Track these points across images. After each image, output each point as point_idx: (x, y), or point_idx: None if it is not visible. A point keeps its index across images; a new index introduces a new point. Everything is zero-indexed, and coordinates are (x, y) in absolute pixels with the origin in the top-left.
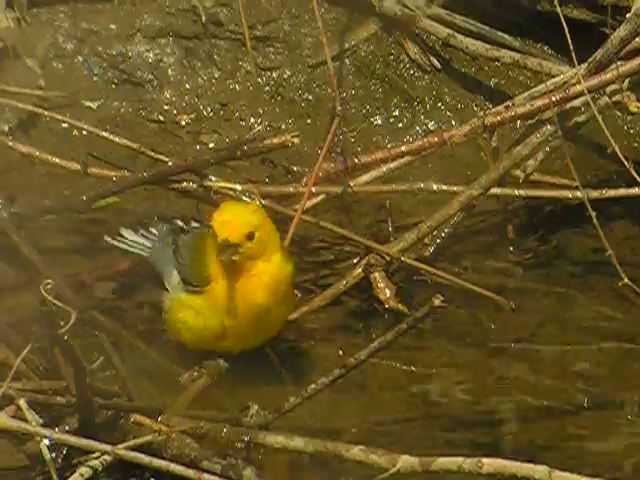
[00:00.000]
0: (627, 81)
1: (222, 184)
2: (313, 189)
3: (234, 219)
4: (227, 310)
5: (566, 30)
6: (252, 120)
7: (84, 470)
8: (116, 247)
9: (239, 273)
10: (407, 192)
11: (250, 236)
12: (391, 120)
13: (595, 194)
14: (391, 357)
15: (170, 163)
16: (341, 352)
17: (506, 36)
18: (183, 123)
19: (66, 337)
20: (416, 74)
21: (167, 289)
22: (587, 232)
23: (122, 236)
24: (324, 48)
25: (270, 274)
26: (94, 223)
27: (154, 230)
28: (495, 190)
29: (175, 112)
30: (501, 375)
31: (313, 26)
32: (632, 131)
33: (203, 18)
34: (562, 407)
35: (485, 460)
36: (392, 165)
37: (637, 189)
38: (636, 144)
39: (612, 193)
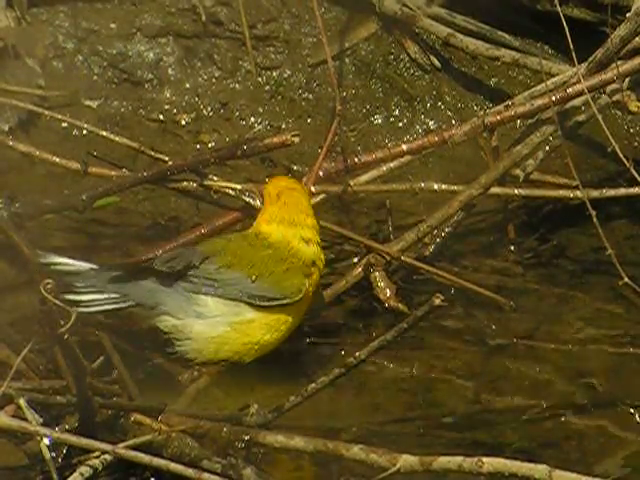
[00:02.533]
0: (627, 80)
1: (222, 183)
2: (313, 189)
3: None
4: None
5: (566, 29)
6: (252, 119)
7: (84, 469)
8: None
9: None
10: (407, 191)
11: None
12: (391, 119)
13: (595, 193)
14: (391, 356)
15: (170, 162)
16: (342, 352)
17: (506, 35)
18: (183, 122)
19: (66, 337)
20: (416, 73)
21: (181, 318)
22: (587, 231)
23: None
24: (324, 47)
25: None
26: (94, 223)
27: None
28: (495, 189)
29: (175, 111)
30: (501, 374)
31: (313, 25)
32: (632, 130)
33: (203, 17)
34: (562, 407)
35: (485, 459)
36: (392, 164)
37: (637, 188)
38: (636, 143)
39: (612, 192)
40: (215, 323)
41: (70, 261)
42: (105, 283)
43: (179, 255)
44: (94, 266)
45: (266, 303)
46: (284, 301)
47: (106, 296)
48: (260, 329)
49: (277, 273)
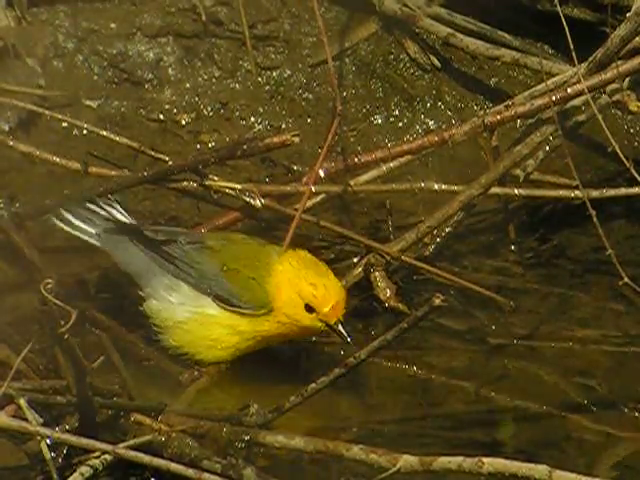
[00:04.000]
0: (627, 80)
1: (222, 183)
2: (313, 188)
3: (342, 301)
4: (269, 338)
5: (566, 29)
6: (252, 119)
7: (84, 469)
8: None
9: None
10: (407, 191)
11: None
12: (391, 119)
13: (595, 193)
14: (391, 356)
15: (170, 162)
16: (342, 352)
17: (506, 35)
18: (183, 122)
19: (66, 336)
20: (416, 73)
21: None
22: (587, 231)
23: (67, 220)
24: (325, 47)
25: None
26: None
27: (100, 210)
28: (495, 189)
29: (175, 111)
30: (501, 374)
31: (313, 25)
32: (632, 130)
33: (203, 17)
34: (562, 407)
35: (485, 459)
36: (392, 164)
37: (637, 188)
38: (636, 143)
39: (612, 192)
40: (181, 308)
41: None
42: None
43: (171, 231)
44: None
45: (226, 306)
46: (244, 310)
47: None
48: (220, 327)
49: (244, 278)
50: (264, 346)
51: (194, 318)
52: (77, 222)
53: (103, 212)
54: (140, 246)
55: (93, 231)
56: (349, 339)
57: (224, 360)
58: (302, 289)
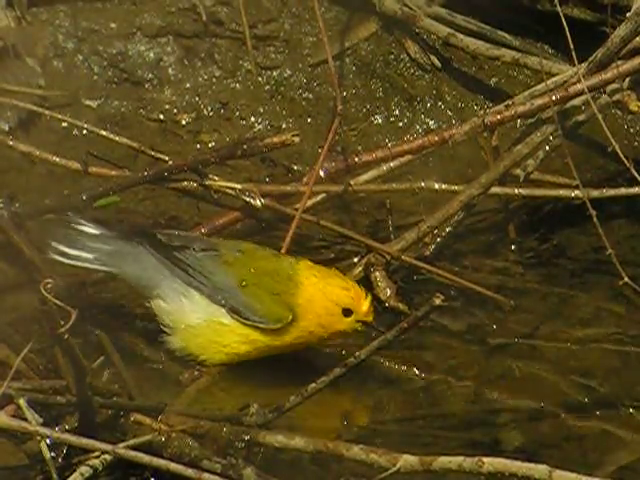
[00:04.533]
0: (627, 80)
1: (222, 183)
2: (313, 188)
3: (368, 297)
4: (284, 348)
5: (566, 29)
6: (252, 119)
7: (84, 469)
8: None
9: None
10: (407, 191)
11: None
12: (391, 119)
13: (595, 193)
14: (391, 356)
15: (170, 162)
16: (342, 352)
17: (506, 35)
18: (183, 122)
19: (66, 336)
20: (416, 73)
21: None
22: (587, 231)
23: (62, 252)
24: (325, 47)
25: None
26: (94, 222)
27: (90, 230)
28: (495, 189)
29: (175, 111)
30: (501, 374)
31: (313, 25)
32: (632, 130)
33: (203, 17)
34: (562, 407)
35: (485, 459)
36: (392, 164)
37: (637, 188)
38: (636, 143)
39: (612, 192)
40: (193, 314)
41: (82, 222)
42: (104, 251)
43: (186, 236)
44: (105, 232)
45: (242, 319)
46: (259, 324)
47: (98, 261)
48: (232, 335)
49: (266, 294)
50: (277, 353)
51: (206, 325)
52: (73, 252)
53: (90, 229)
54: (151, 250)
55: (91, 256)
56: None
57: (231, 363)
58: (338, 296)
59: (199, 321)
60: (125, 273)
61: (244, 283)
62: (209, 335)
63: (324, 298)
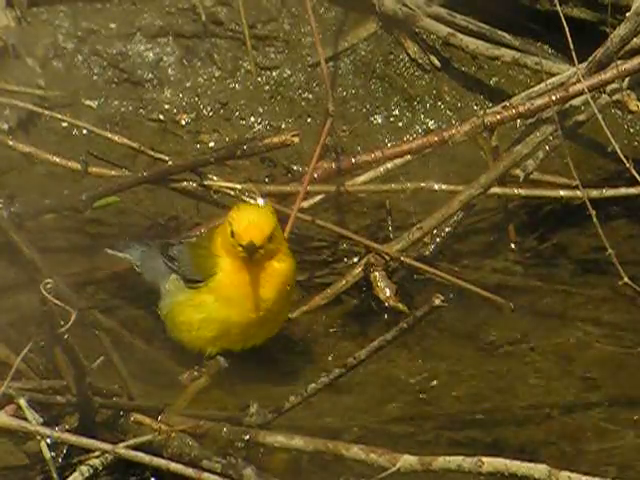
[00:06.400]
0: (627, 80)
1: (222, 183)
2: (309, 188)
3: (258, 222)
4: (234, 304)
5: (566, 29)
6: (252, 119)
7: (84, 469)
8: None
9: (250, 270)
10: (407, 191)
11: (271, 237)
12: (391, 119)
13: (595, 193)
14: (391, 356)
15: (170, 162)
16: (342, 351)
17: (506, 35)
18: (183, 122)
19: (66, 336)
20: (416, 73)
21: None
22: (587, 231)
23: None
24: (317, 47)
25: (280, 272)
26: (94, 223)
27: (138, 247)
28: (495, 189)
29: (175, 111)
30: (501, 374)
31: None
32: (632, 130)
33: (203, 17)
34: (562, 407)
35: (485, 459)
36: (392, 164)
37: (637, 188)
38: (636, 143)
39: (612, 192)
40: (166, 301)
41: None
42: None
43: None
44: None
45: (187, 284)
46: (198, 283)
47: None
48: (188, 308)
49: (196, 255)
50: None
51: (173, 308)
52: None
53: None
54: (159, 253)
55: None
56: (251, 258)
57: (214, 346)
58: (229, 215)
59: (169, 307)
60: (147, 278)
61: (194, 259)
62: (176, 317)
63: (224, 228)
